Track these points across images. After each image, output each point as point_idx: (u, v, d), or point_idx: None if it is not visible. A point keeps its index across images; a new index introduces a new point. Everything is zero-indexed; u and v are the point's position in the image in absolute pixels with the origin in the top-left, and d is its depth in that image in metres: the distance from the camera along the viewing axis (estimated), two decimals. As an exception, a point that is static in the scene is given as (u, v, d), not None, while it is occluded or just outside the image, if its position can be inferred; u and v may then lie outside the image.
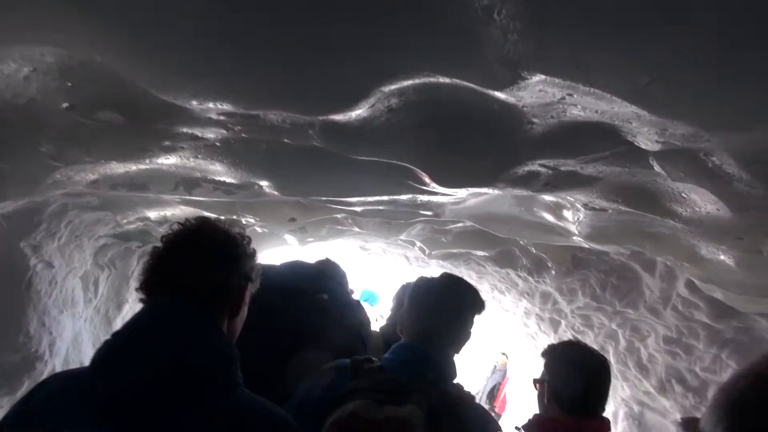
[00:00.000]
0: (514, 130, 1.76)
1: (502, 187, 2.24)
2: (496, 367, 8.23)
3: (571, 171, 2.04)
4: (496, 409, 7.92)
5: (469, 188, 2.33)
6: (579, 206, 2.68)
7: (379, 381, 1.36)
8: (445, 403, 1.32)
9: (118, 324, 4.33)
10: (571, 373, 1.76)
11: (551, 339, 5.34)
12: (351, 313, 1.94)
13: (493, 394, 7.91)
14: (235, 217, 3.99)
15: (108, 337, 1.02)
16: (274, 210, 3.88)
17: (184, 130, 2.18)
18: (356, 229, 4.76)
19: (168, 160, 2.56)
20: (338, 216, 4.30)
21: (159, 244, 1.15)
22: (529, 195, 2.70)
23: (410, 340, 1.48)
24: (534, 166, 1.99)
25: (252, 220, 4.22)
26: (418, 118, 1.86)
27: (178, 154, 2.45)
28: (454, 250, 4.89)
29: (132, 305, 4.50)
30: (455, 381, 1.46)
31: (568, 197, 2.51)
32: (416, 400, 1.30)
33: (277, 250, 5.52)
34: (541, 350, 1.94)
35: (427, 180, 2.31)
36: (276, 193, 2.92)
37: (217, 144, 2.36)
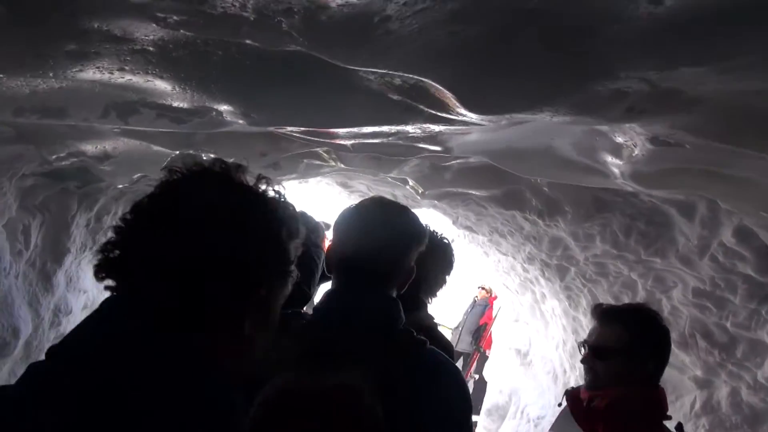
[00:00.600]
0: (618, 17, 1.08)
1: (563, 113, 1.57)
2: (476, 301, 7.87)
3: (673, 89, 1.38)
4: (483, 349, 7.63)
5: (514, 114, 1.66)
6: (640, 141, 2.04)
7: (308, 342, 1.11)
8: (399, 363, 1.10)
9: (60, 280, 3.66)
10: (663, 340, 1.68)
11: (555, 286, 4.85)
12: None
13: (479, 333, 7.58)
14: (192, 152, 3.27)
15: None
16: (241, 143, 3.16)
17: (94, 24, 1.44)
18: (339, 165, 4.07)
19: (85, 74, 1.81)
20: (319, 150, 3.60)
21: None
22: (579, 127, 2.04)
23: (336, 282, 1.27)
24: (626, 81, 1.32)
25: (213, 156, 3.49)
26: (454, 6, 1.17)
27: (95, 64, 1.71)
28: (452, 190, 4.26)
29: (76, 256, 3.81)
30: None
31: (636, 128, 1.87)
32: (360, 361, 1.06)
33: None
34: (592, 308, 1.78)
35: (453, 103, 1.63)
36: (240, 121, 2.21)
37: (150, 49, 1.62)
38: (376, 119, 2.07)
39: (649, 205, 3.37)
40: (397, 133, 2.31)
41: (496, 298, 8.00)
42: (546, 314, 5.87)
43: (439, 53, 1.38)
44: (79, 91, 2.02)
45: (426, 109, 1.87)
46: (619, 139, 2.18)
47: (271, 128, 2.24)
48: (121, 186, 3.61)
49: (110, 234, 0.76)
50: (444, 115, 1.80)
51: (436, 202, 4.59)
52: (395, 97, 1.88)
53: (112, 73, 1.86)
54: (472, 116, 1.72)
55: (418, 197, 4.61)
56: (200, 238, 0.72)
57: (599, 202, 3.53)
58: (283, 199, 0.83)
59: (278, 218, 0.80)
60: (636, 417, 1.53)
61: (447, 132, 2.33)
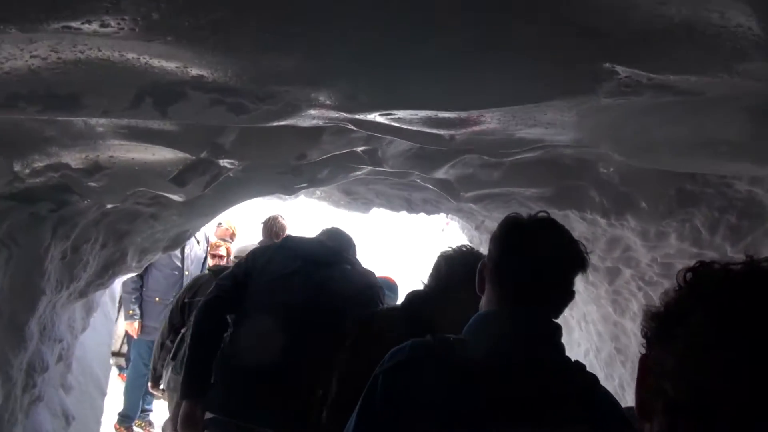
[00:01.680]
0: None
1: None
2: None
3: None
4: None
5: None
6: None
7: (496, 388, 1.10)
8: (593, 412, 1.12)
9: (33, 330, 2.85)
10: None
11: (600, 291, 4.40)
12: (369, 278, 2.77)
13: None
14: (204, 155, 2.56)
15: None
16: (273, 143, 2.49)
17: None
18: (367, 167, 3.44)
19: (112, 42, 1.14)
20: (358, 149, 2.98)
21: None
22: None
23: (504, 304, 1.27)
24: None
25: (228, 164, 2.80)
26: None
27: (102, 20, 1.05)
28: (495, 190, 3.72)
29: (51, 298, 3.00)
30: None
31: None
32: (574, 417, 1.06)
33: (252, 204, 4.11)
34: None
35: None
36: (328, 105, 1.57)
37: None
38: (528, 92, 1.49)
39: (744, 195, 2.95)
40: (530, 120, 1.73)
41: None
42: (570, 321, 5.42)
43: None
44: (102, 69, 1.33)
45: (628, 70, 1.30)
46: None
47: (375, 114, 1.61)
48: (109, 206, 2.85)
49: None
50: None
51: (472, 205, 4.03)
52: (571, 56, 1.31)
53: (149, 41, 1.19)
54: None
55: (448, 200, 4.04)
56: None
57: (684, 194, 3.08)
58: None
59: None
60: None
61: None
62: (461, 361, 1.10)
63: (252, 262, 2.80)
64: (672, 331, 0.63)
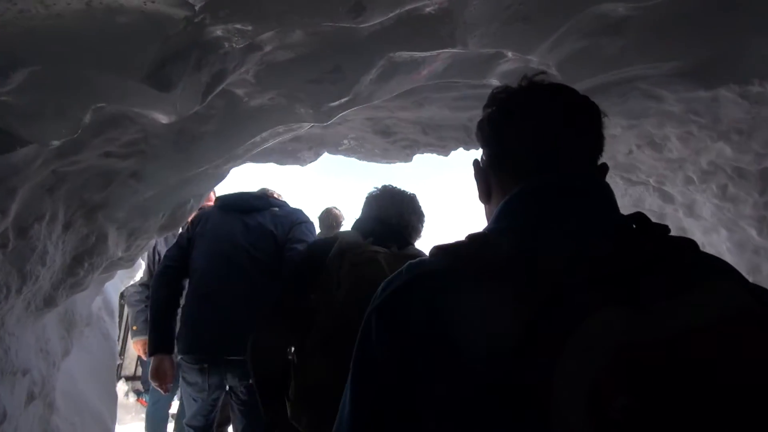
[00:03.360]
0: None
1: None
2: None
3: None
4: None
5: None
6: None
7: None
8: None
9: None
10: None
11: (744, 208, 3.31)
12: (298, 216, 3.11)
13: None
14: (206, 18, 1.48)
15: None
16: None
17: None
18: (436, 56, 2.37)
19: None
20: (431, 9, 1.90)
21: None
22: None
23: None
24: None
25: (237, 43, 1.73)
26: None
27: None
28: (613, 75, 2.64)
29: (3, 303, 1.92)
30: None
31: None
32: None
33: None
34: None
35: None
36: None
37: None
38: None
39: None
40: None
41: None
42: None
43: None
44: None
45: None
46: None
47: None
48: (65, 161, 1.79)
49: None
50: None
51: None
52: None
53: None
54: None
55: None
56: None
57: None
58: None
59: None
60: None
61: None
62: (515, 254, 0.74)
63: (193, 227, 3.14)
64: None
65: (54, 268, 2.28)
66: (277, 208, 3.12)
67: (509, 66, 2.58)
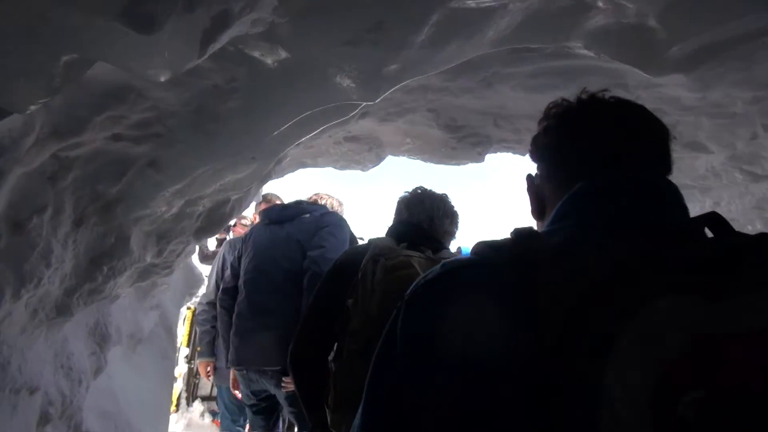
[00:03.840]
0: None
1: None
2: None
3: None
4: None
5: None
6: None
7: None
8: None
9: None
10: None
11: None
12: (322, 220, 3.10)
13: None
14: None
15: None
16: None
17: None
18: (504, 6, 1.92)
19: None
20: None
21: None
22: None
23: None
24: None
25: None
26: None
27: None
28: (731, 28, 2.07)
29: None
30: None
31: None
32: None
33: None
34: None
35: None
36: None
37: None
38: None
39: None
40: None
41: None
42: None
43: None
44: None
45: None
46: None
47: None
48: (64, 145, 1.49)
49: None
50: None
51: (682, 76, 2.37)
52: None
53: None
54: None
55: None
56: None
57: None
58: None
59: None
60: None
61: None
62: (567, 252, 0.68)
63: (241, 244, 3.37)
64: None
65: (64, 271, 2.00)
66: (307, 215, 3.12)
67: (598, 21, 2.07)
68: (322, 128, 2.45)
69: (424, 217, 2.12)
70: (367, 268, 1.82)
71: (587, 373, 0.55)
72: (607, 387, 0.53)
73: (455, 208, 2.21)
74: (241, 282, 3.21)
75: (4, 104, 1.41)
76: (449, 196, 2.24)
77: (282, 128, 2.17)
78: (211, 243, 6.59)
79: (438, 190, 2.25)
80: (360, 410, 0.78)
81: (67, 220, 1.94)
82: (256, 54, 1.79)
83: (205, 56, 1.45)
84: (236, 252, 3.45)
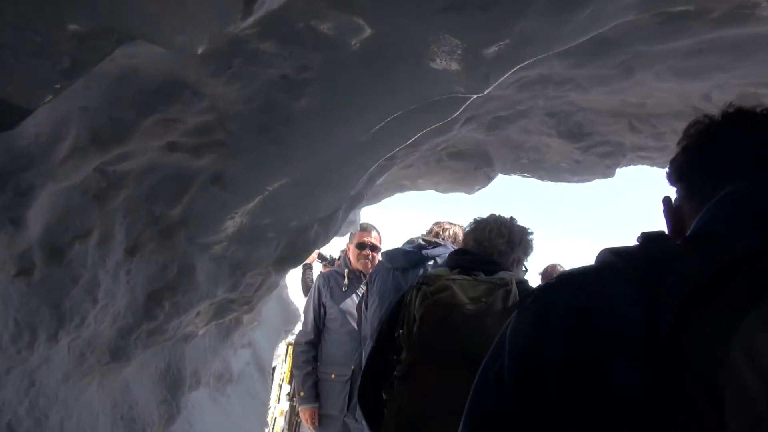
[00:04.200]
0: None
1: None
2: None
3: None
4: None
5: None
6: None
7: None
8: None
9: None
10: None
11: None
12: None
13: None
14: None
15: None
16: None
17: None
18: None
19: None
20: None
21: None
22: None
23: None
24: None
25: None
26: None
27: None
28: None
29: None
30: None
31: None
32: None
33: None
34: None
35: None
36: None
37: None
38: None
39: None
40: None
41: None
42: None
43: None
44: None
45: None
46: None
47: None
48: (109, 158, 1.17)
49: None
50: None
51: None
52: None
53: None
54: None
55: None
56: None
57: None
58: None
59: None
60: None
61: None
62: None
63: (371, 287, 3.19)
64: None
65: (116, 308, 1.69)
66: (435, 260, 2.81)
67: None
68: (419, 134, 2.02)
69: (472, 243, 2.14)
70: (411, 297, 1.88)
71: (715, 346, 0.53)
72: (735, 361, 0.50)
73: (520, 228, 2.17)
74: (365, 333, 3.17)
75: (10, 100, 1.11)
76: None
77: (368, 133, 1.76)
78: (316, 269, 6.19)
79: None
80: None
81: (118, 247, 1.64)
82: (331, 32, 1.40)
83: (252, 17, 1.07)
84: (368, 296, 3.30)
